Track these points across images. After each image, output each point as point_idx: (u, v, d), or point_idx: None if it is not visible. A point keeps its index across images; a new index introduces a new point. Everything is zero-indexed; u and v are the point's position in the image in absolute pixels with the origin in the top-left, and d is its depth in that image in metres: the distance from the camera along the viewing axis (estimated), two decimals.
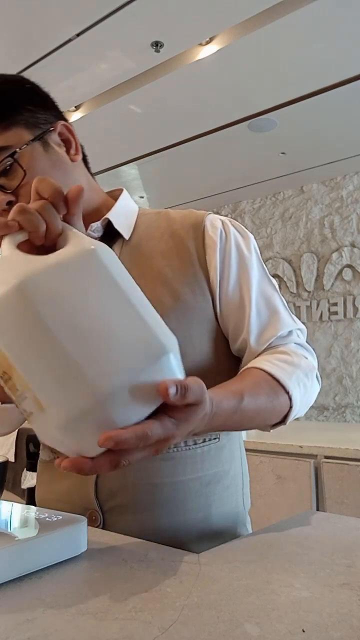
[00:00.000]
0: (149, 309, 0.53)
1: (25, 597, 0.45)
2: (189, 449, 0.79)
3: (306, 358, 0.81)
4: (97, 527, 0.76)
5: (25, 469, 2.74)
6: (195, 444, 0.79)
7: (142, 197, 3.48)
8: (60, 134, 0.82)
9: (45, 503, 0.85)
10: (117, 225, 0.84)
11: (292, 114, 2.46)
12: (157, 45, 2.01)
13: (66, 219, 0.56)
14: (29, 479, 2.69)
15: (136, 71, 2.16)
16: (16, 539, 0.52)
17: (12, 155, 0.75)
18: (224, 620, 0.40)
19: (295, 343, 0.82)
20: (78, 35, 1.96)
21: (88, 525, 0.76)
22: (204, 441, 0.80)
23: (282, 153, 2.92)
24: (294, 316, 0.86)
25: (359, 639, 0.37)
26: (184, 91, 2.29)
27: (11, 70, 2.20)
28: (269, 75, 2.21)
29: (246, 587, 0.47)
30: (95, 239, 0.81)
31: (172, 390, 0.49)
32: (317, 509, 2.08)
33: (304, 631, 0.38)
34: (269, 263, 3.44)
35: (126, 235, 0.85)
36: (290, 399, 0.74)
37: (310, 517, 0.73)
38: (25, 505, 0.66)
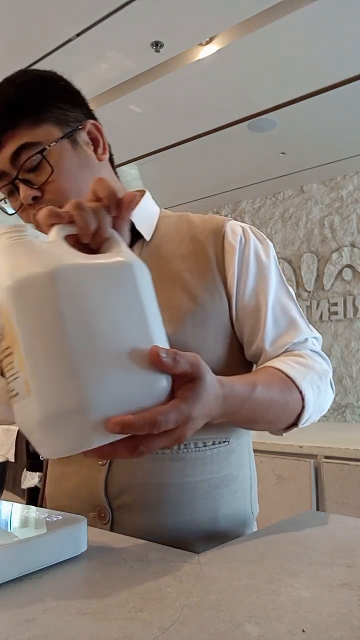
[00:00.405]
0: (164, 341, 0.54)
1: (25, 597, 0.45)
2: (199, 450, 0.79)
3: (320, 363, 0.81)
4: (106, 524, 0.77)
5: (25, 469, 2.75)
6: (205, 445, 0.79)
7: None
8: (89, 133, 0.82)
9: (54, 499, 0.85)
10: (139, 227, 0.84)
11: (292, 114, 2.46)
12: (157, 45, 2.01)
13: (115, 222, 0.58)
14: (29, 479, 2.69)
15: (136, 71, 2.16)
16: (16, 539, 0.52)
17: (41, 152, 0.75)
18: (224, 620, 0.40)
19: (310, 350, 0.83)
20: (78, 35, 1.96)
21: (97, 522, 0.77)
22: (214, 443, 0.80)
23: (282, 153, 2.92)
24: (309, 324, 0.86)
25: (359, 639, 0.37)
26: (184, 91, 2.29)
27: (11, 70, 2.20)
28: (269, 75, 2.21)
29: (246, 587, 0.47)
30: None
31: (162, 353, 0.50)
32: (317, 509, 2.08)
33: (304, 631, 0.38)
34: None
35: (147, 237, 0.85)
36: (302, 399, 0.74)
37: (310, 517, 0.73)
38: (25, 505, 0.66)
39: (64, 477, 0.84)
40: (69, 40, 1.99)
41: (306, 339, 0.83)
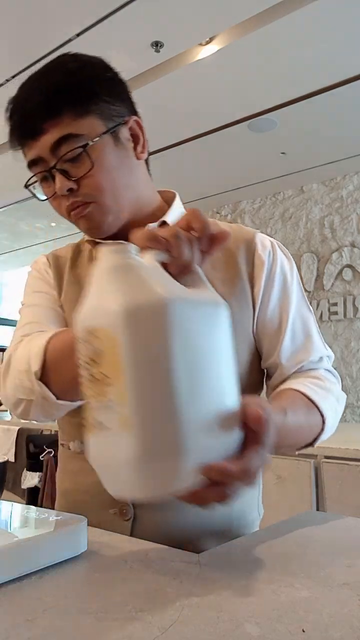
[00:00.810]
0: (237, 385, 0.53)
1: (25, 597, 0.45)
2: None
3: (336, 384, 0.83)
4: (127, 520, 0.77)
5: (25, 469, 2.75)
6: None
7: None
8: (131, 129, 0.80)
9: (70, 494, 0.85)
10: None
11: (292, 114, 2.46)
12: (157, 45, 2.01)
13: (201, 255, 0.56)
14: (29, 479, 2.69)
15: (136, 71, 2.16)
16: (16, 539, 0.52)
17: (84, 146, 0.73)
18: (224, 620, 0.40)
19: (324, 369, 0.84)
20: (78, 35, 1.96)
21: (117, 518, 0.77)
22: None
23: (282, 153, 2.92)
24: (323, 341, 0.88)
25: (359, 639, 0.37)
26: (184, 91, 2.29)
27: (11, 70, 2.20)
28: (269, 75, 2.21)
29: (246, 587, 0.47)
30: None
31: (263, 414, 0.51)
32: (317, 509, 2.08)
33: (304, 631, 0.38)
34: None
35: None
36: (323, 422, 0.75)
37: (310, 517, 0.73)
38: (25, 505, 0.66)
39: (82, 473, 0.82)
40: (69, 40, 1.99)
41: (321, 358, 0.84)
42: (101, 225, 0.78)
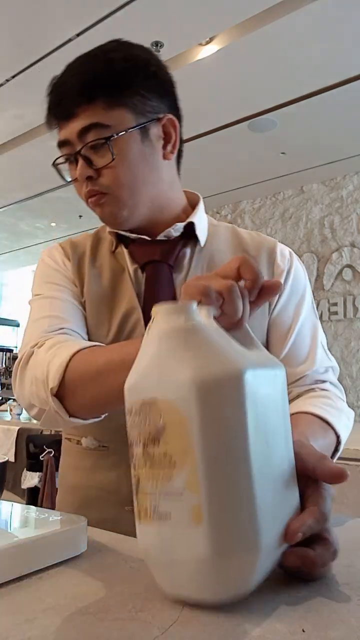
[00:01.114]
0: None
1: (25, 597, 0.45)
2: None
3: (343, 401, 0.84)
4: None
5: (25, 469, 2.75)
6: None
7: None
8: (164, 126, 0.79)
9: (80, 489, 0.85)
10: (198, 230, 0.83)
11: (292, 114, 2.46)
12: (157, 45, 2.01)
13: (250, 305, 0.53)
14: (29, 479, 2.69)
15: None
16: (16, 539, 0.52)
17: (108, 137, 0.73)
18: (223, 620, 0.40)
19: (331, 383, 0.85)
20: (78, 35, 1.96)
21: (131, 515, 0.76)
22: None
23: (282, 153, 2.93)
24: (329, 353, 0.88)
25: (358, 638, 0.37)
26: (184, 91, 2.29)
27: (11, 70, 2.20)
28: (269, 75, 2.21)
29: None
30: (174, 238, 0.82)
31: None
32: None
33: (304, 631, 0.38)
34: None
35: (202, 242, 0.84)
36: (338, 442, 0.77)
37: None
38: (25, 505, 0.65)
39: (99, 469, 0.82)
40: (69, 40, 1.99)
41: (327, 369, 0.85)
42: (115, 217, 0.78)
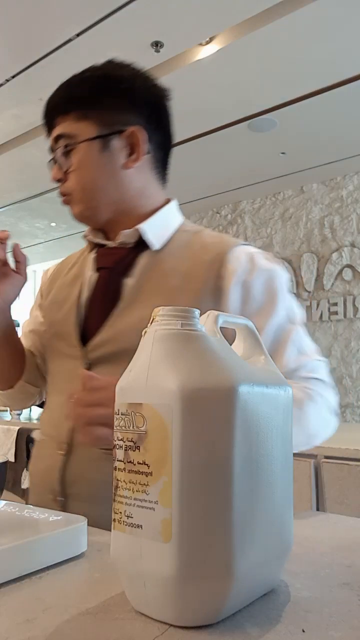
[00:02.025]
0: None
1: (25, 597, 0.45)
2: None
3: (327, 398, 0.81)
4: (60, 508, 0.83)
5: (25, 469, 2.74)
6: None
7: None
8: (128, 138, 0.85)
9: (31, 476, 0.94)
10: (148, 236, 0.86)
11: (292, 114, 2.46)
12: (157, 45, 2.01)
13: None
14: (29, 479, 2.69)
15: None
16: (16, 539, 0.52)
17: (66, 145, 0.84)
18: (224, 620, 0.40)
19: (315, 378, 0.82)
20: (78, 35, 1.96)
21: (54, 505, 0.83)
22: None
23: (282, 153, 2.92)
24: (311, 350, 0.85)
25: (358, 639, 0.37)
26: (184, 91, 2.29)
27: (11, 70, 2.20)
28: (269, 75, 2.21)
29: None
30: (127, 245, 0.87)
31: None
32: (317, 509, 2.08)
33: (304, 631, 0.38)
34: None
35: (153, 246, 0.86)
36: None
37: (310, 517, 0.73)
38: (25, 505, 0.65)
39: (37, 460, 0.92)
40: (69, 40, 1.99)
41: (295, 369, 0.81)
42: (79, 216, 0.89)
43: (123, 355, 0.53)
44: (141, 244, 0.87)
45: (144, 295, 0.83)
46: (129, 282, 0.85)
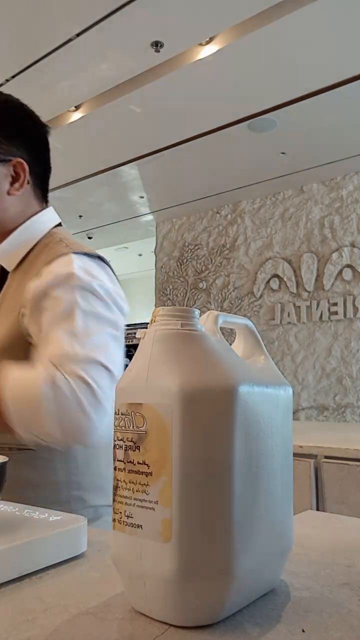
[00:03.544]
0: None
1: (25, 597, 0.45)
2: (13, 454, 0.77)
3: (55, 384, 0.75)
4: None
5: None
6: (10, 450, 0.87)
7: (142, 197, 3.47)
8: (14, 167, 0.95)
9: None
10: (1, 260, 0.96)
11: (292, 114, 2.46)
12: (157, 45, 2.01)
13: None
14: None
15: (136, 71, 2.16)
16: (16, 539, 0.52)
17: None
18: (224, 620, 0.40)
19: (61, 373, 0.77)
20: (78, 35, 1.96)
21: None
22: (19, 449, 0.88)
23: (282, 153, 2.92)
24: (84, 350, 0.79)
25: (358, 639, 0.37)
26: (184, 91, 2.29)
27: (11, 70, 2.20)
28: (269, 75, 2.21)
29: None
30: None
31: None
32: (317, 509, 2.08)
33: (304, 631, 0.38)
34: (269, 263, 3.44)
35: (8, 267, 0.96)
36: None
37: (310, 517, 0.73)
38: (25, 505, 0.66)
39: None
40: (69, 40, 1.99)
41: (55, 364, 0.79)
42: None
43: None
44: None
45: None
46: None
